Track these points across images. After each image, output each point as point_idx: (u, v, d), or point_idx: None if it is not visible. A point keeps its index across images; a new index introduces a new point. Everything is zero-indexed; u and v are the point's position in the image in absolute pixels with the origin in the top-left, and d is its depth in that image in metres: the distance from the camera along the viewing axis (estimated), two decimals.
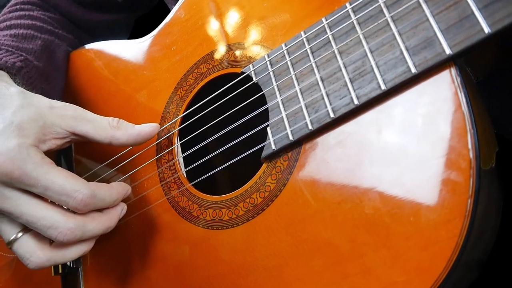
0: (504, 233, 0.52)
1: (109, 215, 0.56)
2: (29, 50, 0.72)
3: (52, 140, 0.55)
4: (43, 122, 0.54)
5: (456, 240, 0.40)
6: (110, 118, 0.58)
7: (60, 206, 0.53)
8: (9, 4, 0.84)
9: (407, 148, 0.44)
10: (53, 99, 0.73)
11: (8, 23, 0.78)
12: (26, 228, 0.54)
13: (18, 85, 0.61)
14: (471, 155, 0.40)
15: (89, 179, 0.71)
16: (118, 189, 0.57)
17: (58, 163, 0.76)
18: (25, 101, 0.55)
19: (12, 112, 0.53)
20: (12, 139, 0.50)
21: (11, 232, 0.54)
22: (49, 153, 0.56)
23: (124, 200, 0.66)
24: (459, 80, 0.42)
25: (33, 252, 0.53)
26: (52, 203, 0.52)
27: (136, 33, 0.99)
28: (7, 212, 0.52)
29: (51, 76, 0.76)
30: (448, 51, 0.42)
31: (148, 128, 0.59)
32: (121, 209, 0.59)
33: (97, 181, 0.70)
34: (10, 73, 0.64)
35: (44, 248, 0.53)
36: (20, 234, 0.54)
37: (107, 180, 0.70)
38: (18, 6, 0.83)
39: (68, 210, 0.53)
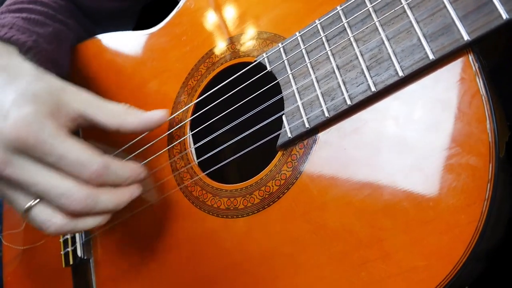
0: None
1: (121, 191, 0.55)
2: (40, 34, 0.71)
3: (64, 119, 0.54)
4: (58, 98, 0.53)
5: (476, 225, 0.40)
6: (121, 104, 0.57)
7: (71, 176, 0.52)
8: None
9: (426, 134, 0.44)
10: None
11: (19, 6, 0.76)
12: (39, 197, 0.53)
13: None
14: (490, 139, 0.41)
15: None
16: (131, 166, 0.57)
17: None
18: (40, 75, 0.54)
19: (27, 81, 0.52)
20: (28, 106, 0.50)
21: (25, 200, 0.53)
22: None
23: None
24: (477, 66, 0.42)
25: (52, 216, 0.52)
26: (65, 173, 0.52)
27: (140, 24, 0.99)
28: (20, 181, 0.51)
29: (57, 61, 0.75)
30: (466, 37, 0.42)
31: (158, 115, 0.58)
32: (134, 190, 0.57)
33: None
34: (21, 51, 0.63)
35: (61, 212, 0.53)
36: (35, 201, 0.53)
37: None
38: None
39: (81, 181, 0.52)
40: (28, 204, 0.52)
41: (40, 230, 0.53)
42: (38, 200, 0.52)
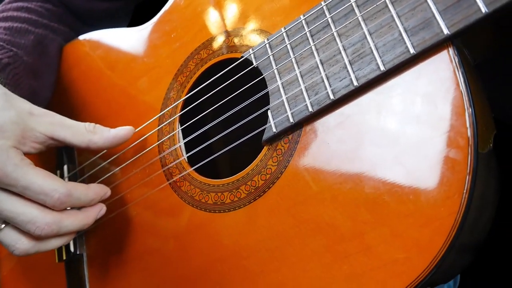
0: (500, 220, 0.53)
1: (86, 213, 0.60)
2: (20, 45, 0.73)
3: (31, 143, 0.57)
4: (23, 125, 0.56)
5: (455, 217, 0.41)
6: (87, 124, 0.61)
7: (37, 204, 0.55)
8: None
9: (407, 128, 0.44)
10: (42, 95, 0.76)
11: (5, 14, 0.78)
12: (7, 222, 0.57)
13: (1, 83, 0.63)
14: (469, 133, 0.41)
15: (90, 167, 0.72)
16: (95, 189, 0.61)
17: (60, 153, 0.77)
18: (7, 103, 0.56)
19: None
20: None
21: None
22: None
23: (126, 187, 0.67)
24: (456, 60, 0.43)
25: (18, 239, 0.56)
26: (31, 200, 0.55)
27: (134, 23, 0.99)
28: None
29: (40, 72, 0.76)
30: (446, 31, 0.42)
31: (123, 131, 0.62)
32: (99, 209, 0.62)
33: (98, 169, 0.71)
34: None
35: (28, 236, 0.57)
36: (3, 226, 0.57)
37: (107, 168, 0.70)
38: None
39: (46, 207, 0.56)
40: None
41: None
42: (4, 225, 0.57)
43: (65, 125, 0.59)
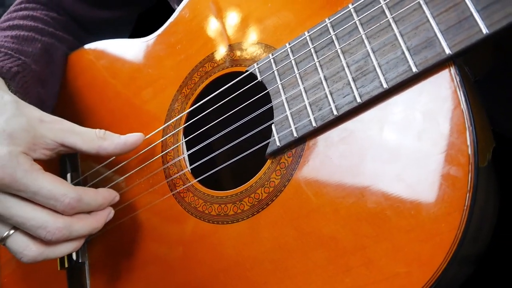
0: (501, 231, 0.54)
1: (95, 217, 0.60)
2: (28, 53, 0.74)
3: (41, 150, 0.58)
4: (34, 133, 0.57)
5: (455, 233, 0.42)
6: (97, 130, 0.61)
7: (47, 208, 0.56)
8: (15, 2, 0.85)
9: (408, 145, 0.45)
10: (48, 103, 0.76)
11: (11, 22, 0.79)
12: (17, 228, 0.57)
13: (12, 92, 0.63)
14: (469, 151, 0.42)
15: (94, 176, 0.73)
16: (104, 194, 0.61)
17: (63, 162, 0.77)
18: (18, 111, 0.57)
19: (4, 120, 0.55)
20: (3, 147, 0.53)
21: (2, 230, 0.57)
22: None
23: (129, 197, 0.68)
24: (458, 79, 0.44)
25: (26, 246, 0.57)
26: (39, 205, 0.55)
27: (136, 32, 1.01)
28: None
29: (46, 80, 0.77)
30: (447, 51, 0.43)
31: (133, 137, 0.63)
32: (108, 212, 0.62)
33: (101, 178, 0.72)
34: (6, 79, 0.66)
35: (36, 242, 0.57)
36: (12, 231, 0.57)
37: (110, 178, 0.71)
38: (22, 5, 0.84)
39: (56, 212, 0.56)
40: (6, 233, 0.57)
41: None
42: (13, 231, 0.57)
43: (75, 131, 0.60)
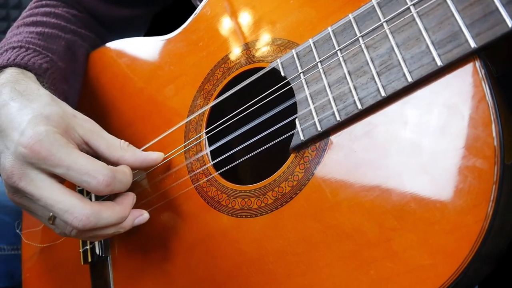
0: None
1: (122, 205, 0.60)
2: (53, 51, 0.76)
3: (70, 139, 0.59)
4: (67, 122, 0.58)
5: (482, 224, 0.42)
6: (122, 141, 0.62)
7: (78, 193, 0.56)
8: None
9: (433, 138, 0.46)
10: (71, 100, 0.78)
11: (34, 18, 0.80)
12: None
13: (44, 87, 0.65)
14: (495, 143, 0.42)
15: None
16: (130, 172, 0.61)
17: None
18: (54, 102, 0.60)
19: (41, 105, 0.58)
20: (41, 126, 0.55)
21: (46, 211, 0.58)
22: None
23: (153, 191, 0.69)
24: (483, 72, 0.44)
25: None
26: (71, 190, 0.56)
27: (152, 30, 1.02)
28: (29, 193, 0.55)
29: (70, 77, 0.79)
30: (473, 44, 0.44)
31: (154, 155, 0.64)
32: (132, 198, 0.62)
33: None
34: (37, 75, 0.68)
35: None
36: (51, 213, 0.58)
37: (133, 174, 0.72)
38: (43, 2, 0.85)
39: (85, 198, 0.56)
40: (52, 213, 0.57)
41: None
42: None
43: (103, 136, 0.61)
